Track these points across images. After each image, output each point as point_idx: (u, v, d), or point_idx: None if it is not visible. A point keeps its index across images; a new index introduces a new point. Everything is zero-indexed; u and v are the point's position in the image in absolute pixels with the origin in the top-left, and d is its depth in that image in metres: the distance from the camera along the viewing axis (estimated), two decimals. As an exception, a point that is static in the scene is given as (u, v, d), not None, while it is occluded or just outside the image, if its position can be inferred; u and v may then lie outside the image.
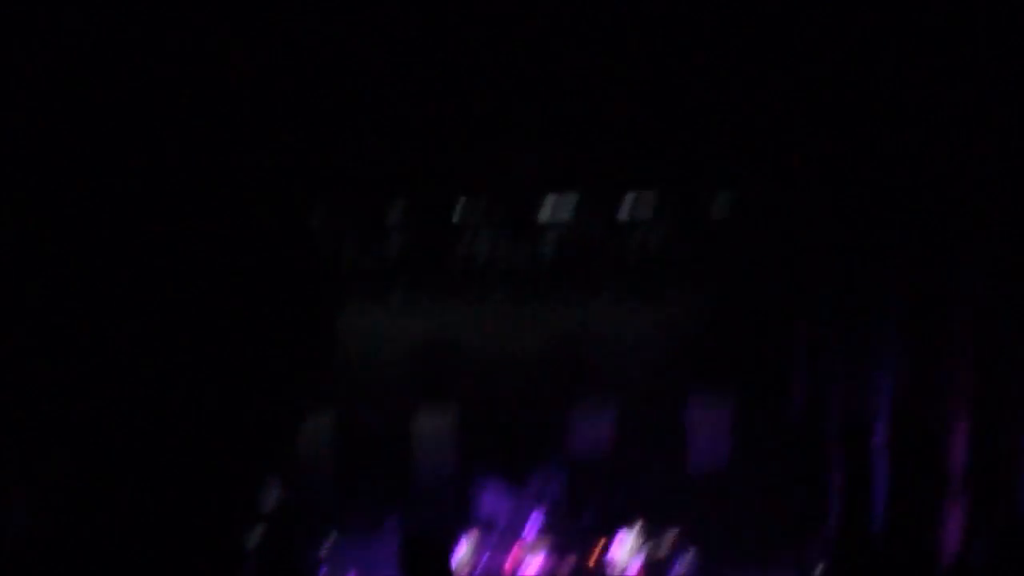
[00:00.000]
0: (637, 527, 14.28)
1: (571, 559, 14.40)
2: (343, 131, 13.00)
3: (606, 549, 14.36)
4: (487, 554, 14.45)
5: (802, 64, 11.73)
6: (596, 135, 15.18)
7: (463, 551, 14.34)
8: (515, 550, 14.51)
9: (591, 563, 14.36)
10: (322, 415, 15.10)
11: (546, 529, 14.72)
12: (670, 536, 14.16)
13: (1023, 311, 10.72)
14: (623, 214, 16.73)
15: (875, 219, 12.76)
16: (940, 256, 11.71)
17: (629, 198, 16.35)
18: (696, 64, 12.58)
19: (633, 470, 15.29)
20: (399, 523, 13.99)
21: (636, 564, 14.16)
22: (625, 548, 14.26)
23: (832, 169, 13.49)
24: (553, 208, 16.83)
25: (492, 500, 15.10)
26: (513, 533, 14.67)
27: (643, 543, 14.19)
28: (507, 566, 14.43)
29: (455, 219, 16.81)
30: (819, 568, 13.38)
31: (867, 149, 12.63)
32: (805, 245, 14.46)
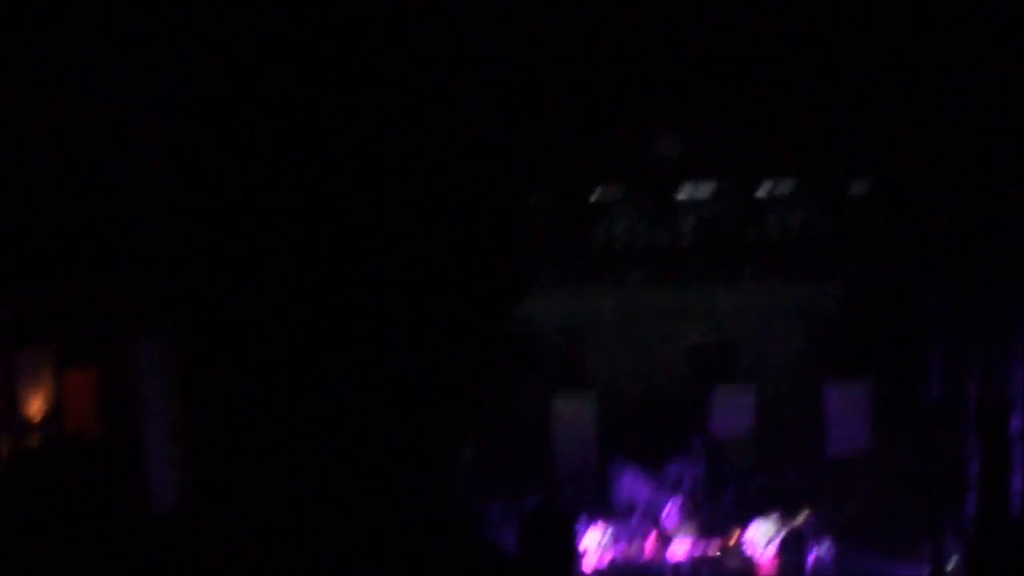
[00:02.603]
0: (774, 514, 14.34)
1: (709, 545, 14.51)
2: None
3: (743, 535, 14.43)
4: (625, 540, 14.63)
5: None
6: (736, 123, 15.24)
7: (597, 536, 14.52)
8: (652, 537, 14.66)
9: (728, 549, 14.45)
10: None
11: (684, 516, 14.83)
12: (806, 523, 14.16)
13: None
14: (762, 193, 16.63)
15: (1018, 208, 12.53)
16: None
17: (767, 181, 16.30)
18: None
19: (771, 455, 15.28)
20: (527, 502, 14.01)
21: (772, 550, 14.22)
22: (761, 534, 14.32)
23: (972, 156, 13.24)
24: (692, 189, 16.82)
25: (630, 486, 15.21)
26: (651, 519, 14.82)
27: (779, 529, 14.23)
28: (645, 552, 14.60)
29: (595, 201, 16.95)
30: (954, 558, 13.23)
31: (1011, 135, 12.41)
32: (946, 231, 14.19)
